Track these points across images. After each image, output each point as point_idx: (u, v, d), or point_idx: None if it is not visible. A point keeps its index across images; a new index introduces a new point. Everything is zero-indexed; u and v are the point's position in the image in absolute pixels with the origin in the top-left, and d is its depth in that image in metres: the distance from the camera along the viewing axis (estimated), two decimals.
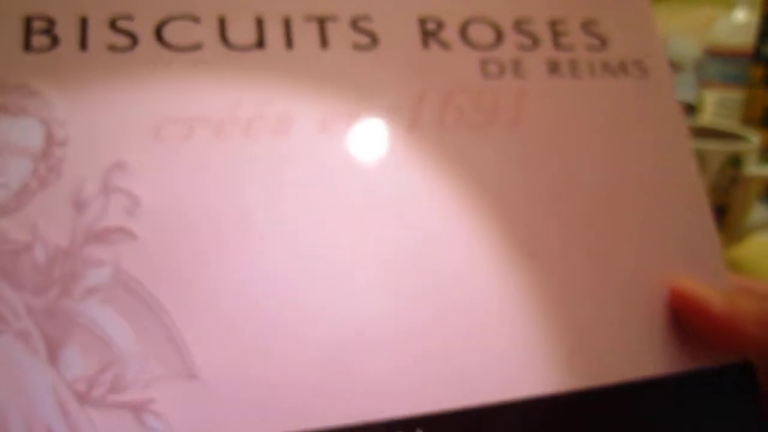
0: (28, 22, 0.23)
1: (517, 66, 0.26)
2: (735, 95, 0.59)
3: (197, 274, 0.21)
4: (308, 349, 0.21)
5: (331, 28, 0.25)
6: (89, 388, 0.20)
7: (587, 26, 0.27)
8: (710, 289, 0.23)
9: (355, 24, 0.25)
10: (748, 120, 0.59)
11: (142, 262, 0.21)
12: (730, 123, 0.59)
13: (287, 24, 0.25)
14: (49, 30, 0.23)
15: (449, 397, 0.22)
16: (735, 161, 0.50)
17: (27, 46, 0.22)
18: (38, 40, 0.23)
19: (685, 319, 0.24)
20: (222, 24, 0.24)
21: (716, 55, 0.61)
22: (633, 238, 0.25)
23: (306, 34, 0.25)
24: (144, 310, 0.21)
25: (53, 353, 0.20)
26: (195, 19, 0.24)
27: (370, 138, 0.24)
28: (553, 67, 0.26)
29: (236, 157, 0.23)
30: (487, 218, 0.24)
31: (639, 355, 0.24)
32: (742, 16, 0.61)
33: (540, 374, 0.23)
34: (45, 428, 0.20)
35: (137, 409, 0.20)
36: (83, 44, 0.23)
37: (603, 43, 0.27)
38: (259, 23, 0.24)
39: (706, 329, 0.23)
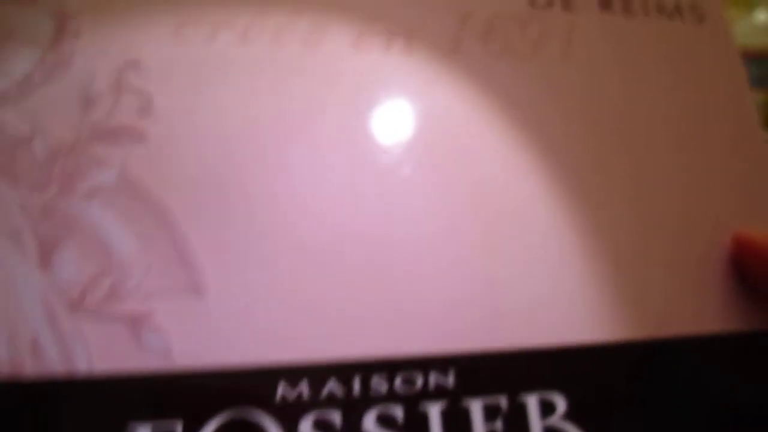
0: None
1: None
2: (757, 97, 0.57)
3: (211, 184, 0.19)
4: (332, 272, 0.19)
5: None
6: (83, 296, 0.18)
7: None
8: None
9: None
10: None
11: (151, 166, 0.19)
12: None
13: None
14: None
15: (492, 339, 0.19)
16: None
17: None
18: None
19: (746, 268, 0.21)
20: None
21: None
22: (687, 186, 0.23)
23: None
24: (149, 217, 0.19)
25: (46, 256, 0.18)
26: None
27: (405, 59, 0.22)
28: (605, 3, 0.25)
29: (261, 65, 0.21)
30: (531, 155, 0.22)
31: (696, 310, 0.21)
32: (764, 17, 0.59)
33: (591, 322, 0.20)
34: (30, 339, 0.17)
35: (135, 322, 0.18)
36: None
37: None
38: None
39: None
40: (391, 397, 0.18)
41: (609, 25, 0.24)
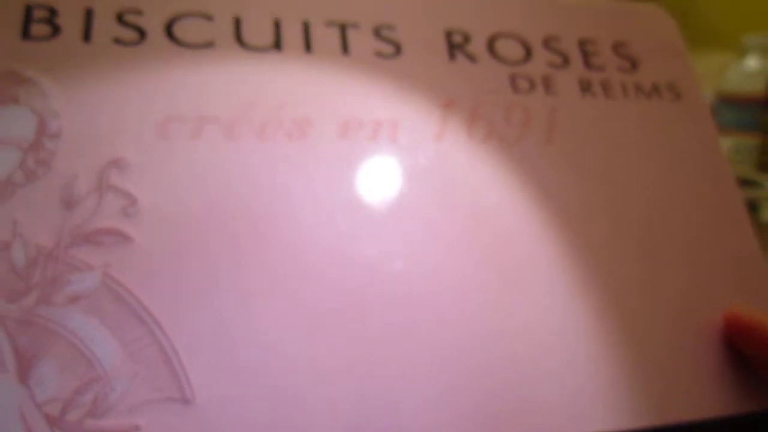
0: (28, 10, 0.21)
1: (548, 82, 0.25)
2: (749, 141, 0.58)
3: (198, 286, 0.19)
4: (325, 372, 0.19)
5: (353, 34, 0.23)
6: (63, 411, 0.17)
7: (617, 48, 0.26)
8: (765, 315, 0.21)
9: (377, 32, 0.24)
10: (763, 166, 0.58)
11: (135, 269, 0.19)
12: (745, 169, 0.58)
13: (306, 28, 0.23)
14: (51, 19, 0.21)
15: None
16: (751, 207, 0.49)
17: (25, 33, 0.21)
18: (38, 29, 0.21)
19: (741, 347, 0.21)
20: (237, 24, 0.23)
21: (729, 102, 0.61)
22: (677, 267, 0.23)
23: (326, 39, 0.23)
24: (134, 323, 0.18)
25: (24, 369, 0.17)
26: (208, 17, 0.22)
27: (392, 148, 0.22)
28: (586, 86, 0.25)
29: (248, 160, 0.21)
30: (516, 234, 0.22)
31: (695, 394, 0.21)
32: (754, 63, 0.61)
33: (603, 412, 0.20)
34: None
35: None
36: (87, 36, 0.21)
37: (634, 65, 0.26)
38: (277, 25, 0.23)
39: (765, 357, 0.21)
40: None
41: (590, 107, 0.25)
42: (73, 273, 0.18)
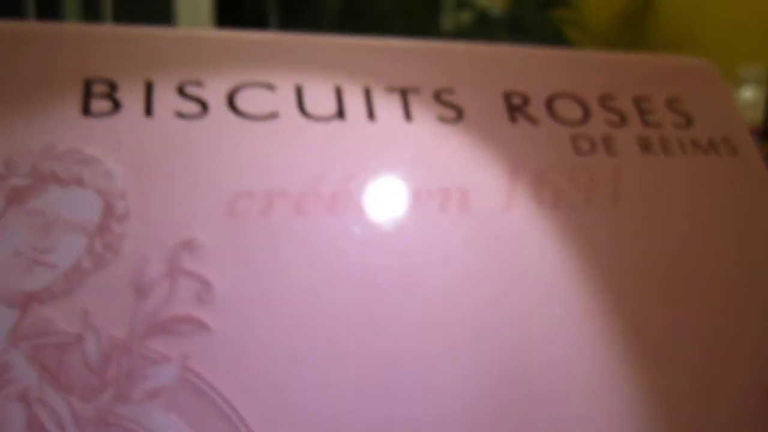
0: (87, 85, 0.20)
1: (608, 142, 0.24)
2: None
3: (281, 375, 0.18)
4: None
5: (414, 100, 0.23)
6: None
7: (671, 104, 0.26)
8: None
9: (438, 96, 0.23)
10: None
11: (214, 359, 0.18)
12: None
13: (368, 95, 0.23)
14: (111, 94, 0.20)
15: None
16: None
17: (86, 110, 0.20)
18: (98, 105, 0.20)
19: None
20: (299, 93, 0.22)
21: None
22: (736, 324, 0.23)
23: (388, 106, 0.23)
24: (217, 420, 0.17)
25: None
26: (269, 87, 0.22)
27: (463, 218, 0.21)
28: (645, 144, 0.25)
29: (320, 236, 0.20)
30: (590, 303, 0.21)
31: None
32: (750, 94, 0.62)
33: None
34: None
35: None
36: (148, 110, 0.20)
37: (688, 120, 0.26)
38: (338, 93, 0.22)
39: None
40: None
41: (652, 166, 0.24)
42: (149, 366, 0.17)
